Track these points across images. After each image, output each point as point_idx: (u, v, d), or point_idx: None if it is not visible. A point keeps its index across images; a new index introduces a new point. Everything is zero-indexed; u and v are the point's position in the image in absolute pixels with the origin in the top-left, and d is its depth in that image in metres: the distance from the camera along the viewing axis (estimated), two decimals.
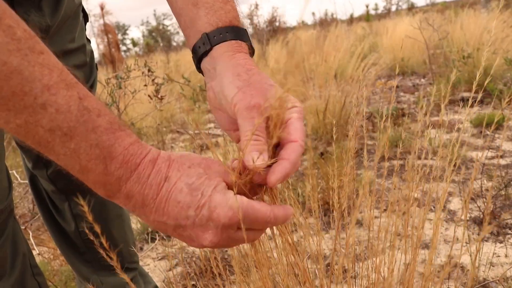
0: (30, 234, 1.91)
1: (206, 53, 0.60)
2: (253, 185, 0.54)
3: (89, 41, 1.01)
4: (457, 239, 1.58)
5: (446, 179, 0.73)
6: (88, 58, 0.99)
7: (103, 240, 0.72)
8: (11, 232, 0.86)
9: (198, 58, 0.62)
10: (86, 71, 0.98)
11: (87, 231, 0.74)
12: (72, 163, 0.44)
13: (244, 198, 0.48)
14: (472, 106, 0.76)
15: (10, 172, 0.88)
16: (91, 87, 1.02)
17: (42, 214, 1.08)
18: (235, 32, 0.60)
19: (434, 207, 1.52)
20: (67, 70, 0.44)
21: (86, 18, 1.00)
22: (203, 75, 0.64)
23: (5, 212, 0.83)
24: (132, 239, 1.17)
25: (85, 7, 0.98)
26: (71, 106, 0.42)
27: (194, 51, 0.62)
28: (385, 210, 1.72)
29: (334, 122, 0.87)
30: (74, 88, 0.43)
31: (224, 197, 0.47)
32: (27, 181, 1.09)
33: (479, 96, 0.77)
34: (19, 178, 2.53)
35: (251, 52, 0.62)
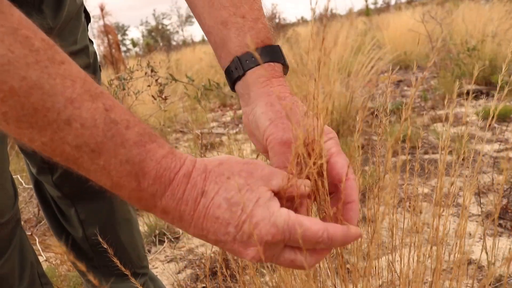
0: (37, 240, 1.90)
1: (239, 77, 0.58)
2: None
3: (91, 42, 0.99)
4: (470, 234, 1.55)
5: (453, 174, 0.71)
6: (92, 59, 0.97)
7: (110, 249, 0.70)
8: (19, 241, 0.84)
9: (232, 81, 0.59)
10: (90, 73, 0.96)
11: (98, 238, 0.72)
12: (104, 179, 0.41)
13: (291, 213, 0.44)
14: (477, 98, 0.73)
15: (14, 176, 0.86)
16: None
17: (48, 220, 1.06)
18: (268, 52, 0.57)
19: (446, 202, 1.49)
20: (91, 78, 0.41)
21: (88, 18, 0.98)
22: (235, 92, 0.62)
23: (12, 221, 0.81)
24: (142, 244, 1.15)
25: (86, 7, 0.96)
26: (97, 119, 0.39)
27: (227, 73, 0.60)
28: (395, 206, 1.69)
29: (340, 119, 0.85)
30: (99, 99, 0.40)
31: (267, 212, 0.43)
32: (31, 186, 1.07)
33: (484, 89, 0.75)
34: (23, 183, 2.51)
35: (286, 69, 0.60)
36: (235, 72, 0.58)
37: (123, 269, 0.68)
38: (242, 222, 0.43)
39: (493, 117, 0.69)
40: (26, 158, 0.99)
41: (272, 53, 0.58)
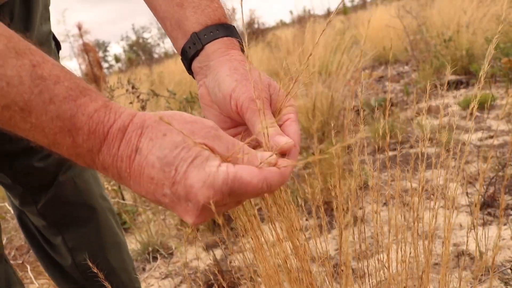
0: (28, 267, 1.87)
1: (197, 53, 0.57)
2: None
3: None
4: (460, 225, 1.57)
5: (441, 165, 0.71)
6: None
7: (101, 274, 0.69)
8: (3, 276, 0.82)
9: (189, 59, 0.59)
10: None
11: (89, 263, 0.71)
12: (40, 138, 0.40)
13: (230, 170, 0.40)
14: (457, 88, 0.75)
15: (1, 205, 0.84)
16: None
17: (35, 252, 1.05)
18: (226, 29, 0.57)
19: (435, 195, 1.51)
20: (18, 36, 0.40)
21: (58, 46, 0.97)
22: (193, 77, 0.61)
23: None
24: (132, 266, 1.14)
25: (55, 35, 0.95)
26: (23, 77, 0.38)
27: (183, 52, 0.59)
28: (384, 204, 1.71)
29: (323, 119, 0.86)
30: (25, 55, 0.38)
31: (203, 173, 0.39)
32: None
33: (463, 78, 0.76)
34: (12, 210, 2.48)
35: (242, 49, 0.59)
36: (192, 48, 0.57)
37: None
38: (176, 183, 0.40)
39: (474, 106, 0.70)
40: (6, 190, 0.98)
41: (230, 30, 0.58)
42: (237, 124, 0.57)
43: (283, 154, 0.50)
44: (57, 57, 0.95)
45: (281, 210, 0.61)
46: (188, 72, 0.62)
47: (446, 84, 0.73)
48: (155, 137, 0.41)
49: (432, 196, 0.80)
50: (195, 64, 0.59)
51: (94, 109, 0.41)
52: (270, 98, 0.53)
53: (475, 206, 0.64)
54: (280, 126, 0.51)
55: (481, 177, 0.70)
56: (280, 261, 0.70)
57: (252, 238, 0.66)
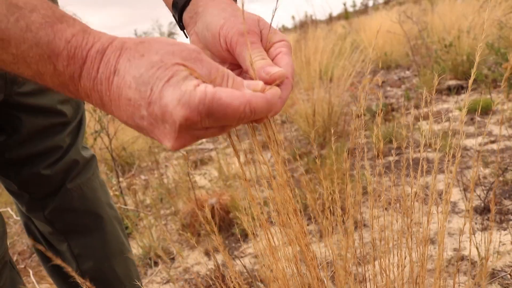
0: (31, 272, 1.88)
1: (187, 3, 0.56)
2: None
3: None
4: (461, 230, 1.57)
5: (444, 171, 0.72)
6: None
7: (106, 282, 0.70)
8: (9, 283, 0.82)
9: (179, 10, 0.57)
10: (73, 105, 0.97)
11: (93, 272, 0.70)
12: (23, 68, 0.40)
13: (209, 90, 0.38)
14: (459, 93, 0.75)
15: (3, 210, 0.84)
16: (80, 121, 1.00)
17: (40, 259, 1.05)
18: None
19: (436, 200, 1.51)
20: None
21: None
22: (185, 35, 0.60)
23: None
24: (137, 274, 1.14)
25: None
26: None
27: (174, 5, 0.58)
28: (385, 209, 1.70)
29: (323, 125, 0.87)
30: None
31: (178, 91, 0.38)
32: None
33: (464, 83, 0.77)
34: (14, 215, 2.49)
35: None
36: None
37: None
38: (152, 103, 0.39)
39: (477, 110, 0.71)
40: (14, 197, 0.98)
41: None
42: (233, 68, 0.55)
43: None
44: None
45: (290, 215, 0.62)
46: (180, 27, 0.61)
47: (434, 91, 0.74)
48: (133, 58, 0.40)
49: (427, 200, 0.81)
50: (186, 15, 0.58)
51: (72, 34, 0.40)
52: (260, 33, 0.51)
53: (468, 211, 0.65)
54: (272, 60, 0.50)
55: (472, 182, 0.71)
56: (291, 266, 0.70)
57: (262, 240, 0.66)
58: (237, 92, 0.39)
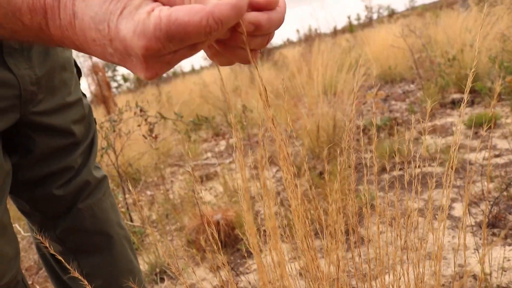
0: None
1: None
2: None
3: (84, 95, 1.01)
4: (465, 245, 1.57)
5: (447, 185, 0.74)
6: (87, 111, 0.99)
7: None
8: None
9: None
10: (86, 125, 0.98)
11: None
12: (1, 31, 0.41)
13: (163, 12, 0.36)
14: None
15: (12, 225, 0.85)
16: (92, 141, 1.01)
17: (49, 276, 1.06)
18: None
19: (437, 215, 1.52)
20: None
21: (79, 72, 1.00)
22: None
23: (11, 286, 0.80)
24: None
25: (77, 62, 0.99)
26: None
27: None
28: (389, 224, 1.71)
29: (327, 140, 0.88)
30: None
31: (131, 22, 0.36)
32: (30, 234, 1.06)
33: (469, 96, 0.79)
34: (22, 231, 2.52)
35: None
36: None
37: None
38: (113, 40, 0.38)
39: (481, 124, 0.72)
40: (25, 217, 0.99)
41: None
42: None
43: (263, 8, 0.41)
44: (78, 83, 0.97)
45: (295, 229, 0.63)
46: None
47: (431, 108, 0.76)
48: None
49: (426, 215, 0.82)
50: None
51: None
52: None
53: (462, 228, 0.66)
54: None
55: (464, 193, 0.72)
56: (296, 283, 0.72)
57: (270, 254, 0.67)
58: (196, 7, 0.36)
